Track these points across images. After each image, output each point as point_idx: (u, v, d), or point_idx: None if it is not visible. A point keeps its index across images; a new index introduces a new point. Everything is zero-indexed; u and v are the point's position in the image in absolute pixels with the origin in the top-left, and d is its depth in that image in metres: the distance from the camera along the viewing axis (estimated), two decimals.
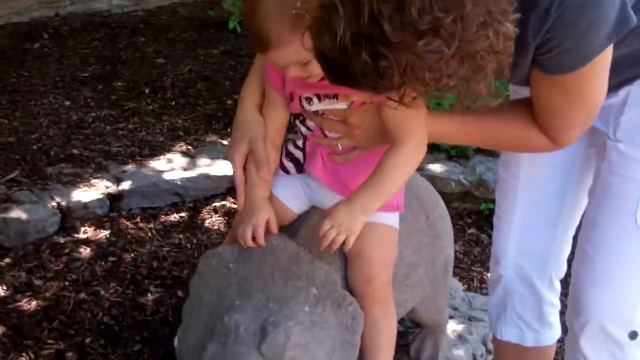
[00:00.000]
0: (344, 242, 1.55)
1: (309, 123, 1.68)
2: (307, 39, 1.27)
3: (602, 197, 1.77)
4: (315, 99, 1.59)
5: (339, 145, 1.65)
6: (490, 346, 2.52)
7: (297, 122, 1.70)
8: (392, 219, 1.74)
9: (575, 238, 1.95)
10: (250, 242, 1.64)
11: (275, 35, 1.37)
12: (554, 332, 2.10)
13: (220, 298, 1.70)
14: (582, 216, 1.92)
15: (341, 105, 1.58)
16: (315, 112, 1.63)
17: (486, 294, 2.93)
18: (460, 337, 2.58)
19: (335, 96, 1.56)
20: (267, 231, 1.68)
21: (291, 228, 1.77)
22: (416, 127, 1.54)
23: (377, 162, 1.57)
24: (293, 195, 1.77)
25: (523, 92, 1.68)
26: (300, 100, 1.62)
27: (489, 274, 3.18)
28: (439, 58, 1.14)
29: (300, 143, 1.73)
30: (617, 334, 1.78)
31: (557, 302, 2.08)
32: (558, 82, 1.46)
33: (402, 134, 1.53)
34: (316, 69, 1.40)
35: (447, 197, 3.70)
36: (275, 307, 1.63)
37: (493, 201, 3.67)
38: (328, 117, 1.62)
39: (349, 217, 1.53)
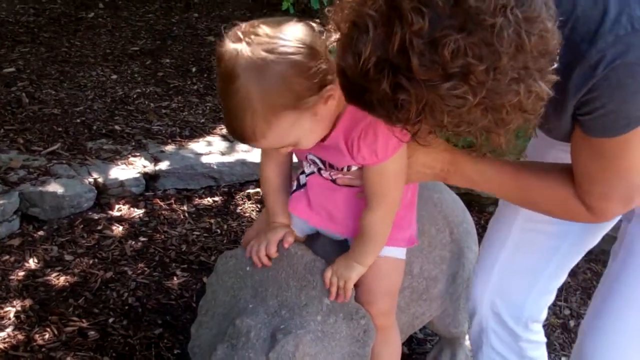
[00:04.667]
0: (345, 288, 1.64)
1: (311, 168, 1.68)
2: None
3: (629, 257, 1.64)
4: (319, 162, 1.61)
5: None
6: None
7: (304, 162, 1.70)
8: (397, 252, 1.72)
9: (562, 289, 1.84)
10: (265, 260, 1.66)
11: (250, 129, 1.32)
12: None
13: (235, 300, 1.71)
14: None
15: (353, 169, 1.58)
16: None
17: None
18: None
19: (337, 168, 1.58)
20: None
21: (307, 241, 1.76)
22: (390, 193, 1.56)
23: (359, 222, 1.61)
24: (299, 220, 1.75)
25: (544, 151, 1.62)
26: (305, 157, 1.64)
27: None
28: (461, 104, 1.08)
29: (302, 179, 1.71)
30: None
31: (539, 339, 1.97)
32: (598, 146, 1.36)
33: (376, 196, 1.56)
34: (308, 143, 1.42)
35: (484, 202, 3.66)
36: (288, 315, 1.63)
37: None
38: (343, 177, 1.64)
39: (345, 266, 1.63)
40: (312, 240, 1.77)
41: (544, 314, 1.93)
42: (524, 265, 1.85)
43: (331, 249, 1.75)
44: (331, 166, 1.59)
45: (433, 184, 2.03)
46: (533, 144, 1.87)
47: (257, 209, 3.43)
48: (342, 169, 1.58)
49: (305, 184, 1.69)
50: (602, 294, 1.69)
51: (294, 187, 1.72)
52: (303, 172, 1.70)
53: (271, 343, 1.57)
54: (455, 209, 2.08)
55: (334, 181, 1.64)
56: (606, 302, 1.66)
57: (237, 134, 1.35)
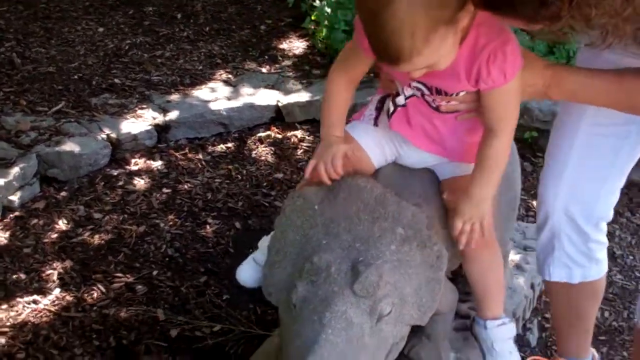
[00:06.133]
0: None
1: (411, 91, 1.64)
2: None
3: None
4: (424, 88, 1.58)
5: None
6: None
7: (405, 87, 1.65)
8: None
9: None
10: (334, 174, 1.64)
11: (408, 49, 1.27)
12: (601, 268, 2.07)
13: (307, 238, 1.72)
14: None
15: (461, 94, 1.56)
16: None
17: (533, 222, 2.96)
18: (519, 267, 2.62)
19: (445, 93, 1.56)
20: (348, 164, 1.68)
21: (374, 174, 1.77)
22: (514, 114, 1.55)
23: (478, 153, 1.59)
24: (378, 149, 1.75)
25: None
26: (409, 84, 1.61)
27: (534, 202, 3.20)
28: None
29: (400, 100, 1.67)
30: None
31: (604, 240, 2.04)
32: None
33: (502, 120, 1.54)
34: (445, 63, 1.38)
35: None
36: (363, 247, 1.64)
37: (537, 129, 3.69)
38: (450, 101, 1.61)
39: (473, 208, 1.61)
40: (376, 173, 1.79)
41: (611, 213, 1.99)
42: (592, 169, 1.89)
43: (394, 182, 1.76)
44: (438, 92, 1.57)
45: None
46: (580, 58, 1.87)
47: (272, 152, 3.42)
48: (451, 95, 1.56)
49: (404, 105, 1.66)
50: None
51: (391, 110, 1.69)
52: (398, 95, 1.66)
53: (353, 275, 1.59)
54: None
55: (436, 108, 1.62)
56: None
57: (391, 56, 1.30)
